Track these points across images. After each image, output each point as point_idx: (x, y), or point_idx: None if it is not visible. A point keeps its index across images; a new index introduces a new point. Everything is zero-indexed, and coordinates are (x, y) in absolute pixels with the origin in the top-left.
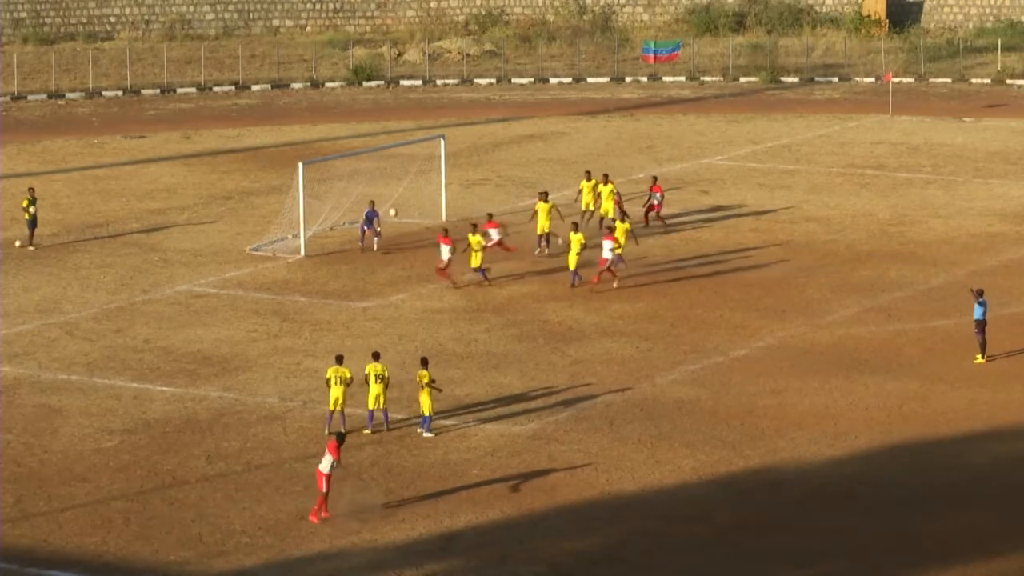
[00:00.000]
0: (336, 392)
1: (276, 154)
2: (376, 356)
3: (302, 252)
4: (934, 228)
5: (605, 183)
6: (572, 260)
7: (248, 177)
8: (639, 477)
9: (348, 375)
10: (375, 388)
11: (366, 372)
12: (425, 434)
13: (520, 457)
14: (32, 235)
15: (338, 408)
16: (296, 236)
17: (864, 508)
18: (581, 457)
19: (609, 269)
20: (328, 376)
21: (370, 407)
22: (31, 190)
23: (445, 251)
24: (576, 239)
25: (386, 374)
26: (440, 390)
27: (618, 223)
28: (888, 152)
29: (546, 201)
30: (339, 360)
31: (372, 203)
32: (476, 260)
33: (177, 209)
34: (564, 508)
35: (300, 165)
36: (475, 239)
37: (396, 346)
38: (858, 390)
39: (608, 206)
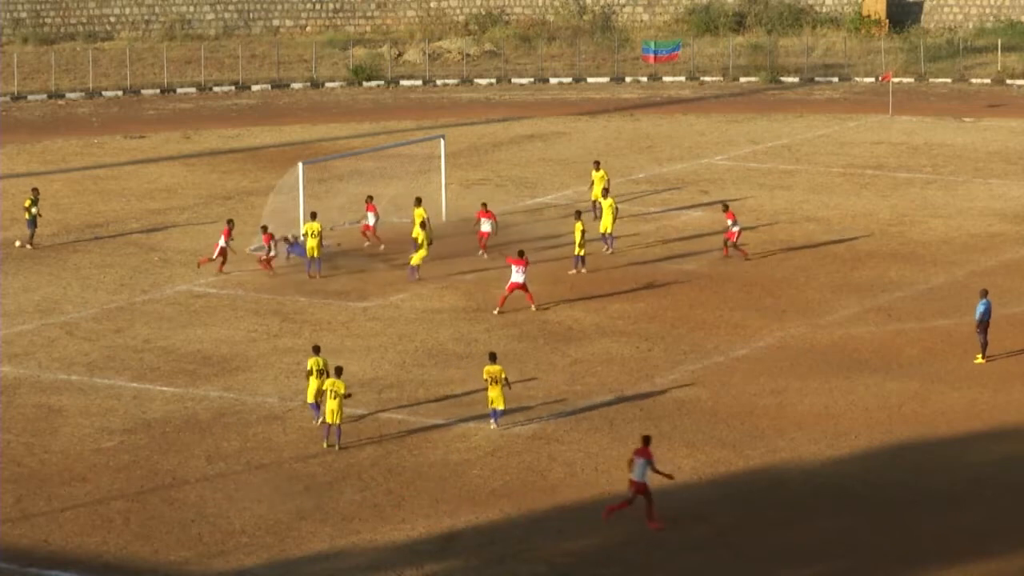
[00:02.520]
0: (332, 404)
1: (276, 154)
2: (316, 350)
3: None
4: (934, 228)
5: (605, 196)
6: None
7: (248, 177)
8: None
9: (343, 389)
10: (315, 382)
11: (308, 367)
12: (493, 425)
13: (520, 457)
14: (33, 235)
15: (336, 422)
16: (296, 236)
17: (864, 508)
18: (581, 457)
19: (526, 289)
20: (325, 388)
21: (310, 400)
22: (35, 190)
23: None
24: (578, 227)
25: (327, 368)
26: (510, 387)
27: (576, 224)
28: (888, 152)
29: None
30: (339, 372)
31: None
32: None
33: (177, 209)
34: (564, 508)
35: (300, 165)
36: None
37: (396, 346)
38: (858, 390)
39: (608, 221)
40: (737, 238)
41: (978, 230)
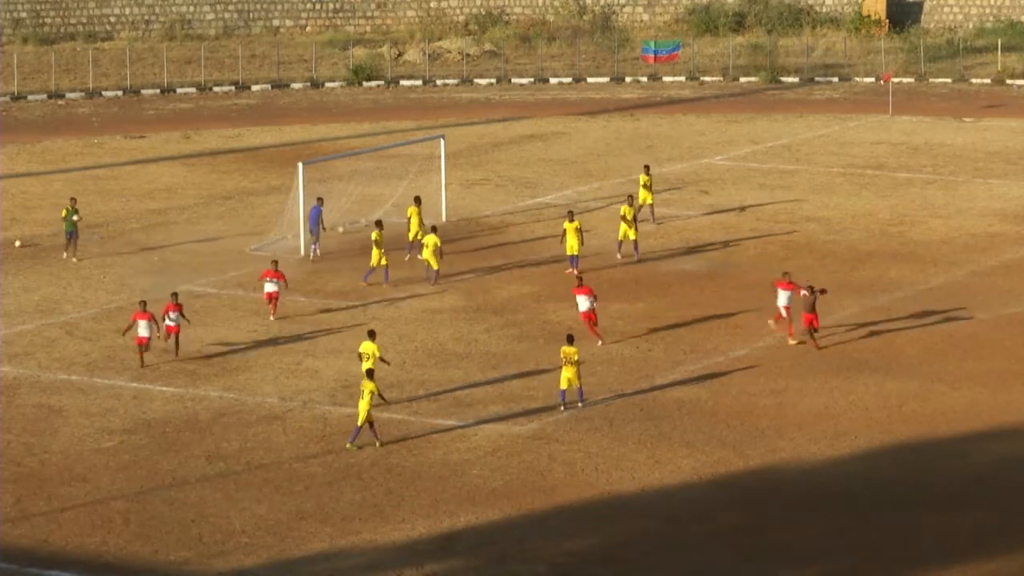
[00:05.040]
0: (362, 404)
1: (276, 154)
2: (372, 335)
3: (302, 252)
4: (934, 228)
5: (630, 204)
6: (573, 247)
7: (248, 177)
8: (639, 477)
9: (373, 389)
10: (368, 364)
11: (360, 352)
12: (562, 409)
13: (520, 457)
14: (73, 245)
15: (361, 422)
16: (296, 236)
17: (864, 508)
18: (581, 457)
19: (813, 322)
20: (363, 389)
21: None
22: (72, 200)
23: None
24: (571, 227)
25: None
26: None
27: (566, 224)
28: (888, 152)
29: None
30: (370, 374)
31: (320, 199)
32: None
33: (177, 209)
34: (564, 508)
35: (300, 165)
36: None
37: (396, 346)
38: (858, 390)
39: (629, 229)
40: (787, 315)
41: (978, 230)
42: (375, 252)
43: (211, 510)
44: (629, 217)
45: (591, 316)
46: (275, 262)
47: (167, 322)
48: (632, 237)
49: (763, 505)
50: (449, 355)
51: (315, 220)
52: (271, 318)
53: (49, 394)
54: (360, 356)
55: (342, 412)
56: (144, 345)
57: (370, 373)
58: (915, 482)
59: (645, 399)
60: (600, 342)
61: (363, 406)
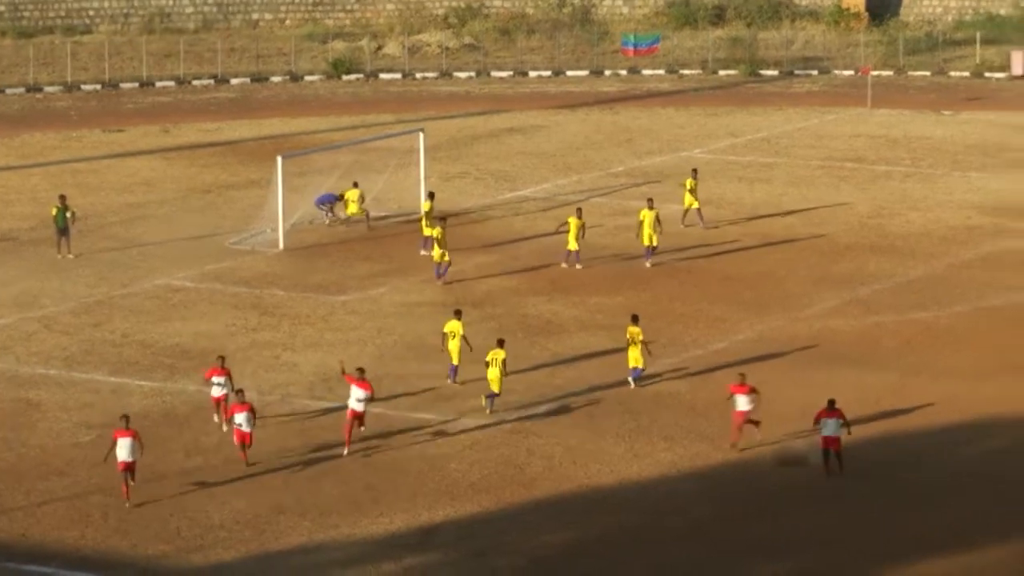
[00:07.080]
0: (492, 373)
1: (255, 148)
2: (458, 314)
3: (280, 246)
4: (913, 221)
5: (651, 207)
6: (572, 242)
7: (227, 171)
8: (617, 471)
9: (503, 355)
10: (455, 345)
11: (444, 331)
12: (633, 386)
13: (499, 451)
14: (60, 242)
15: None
16: (275, 230)
17: (841, 500)
18: (559, 451)
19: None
20: (488, 359)
21: (455, 362)
22: (62, 197)
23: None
24: (574, 223)
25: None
26: (650, 352)
27: (571, 219)
28: (867, 145)
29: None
30: (500, 343)
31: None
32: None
33: (156, 203)
34: (542, 502)
35: (279, 159)
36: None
37: (375, 340)
38: (837, 383)
39: (649, 232)
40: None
41: (956, 223)
42: (437, 249)
43: (189, 504)
44: (689, 187)
45: (358, 414)
46: (222, 357)
47: (235, 425)
48: (696, 205)
49: (741, 498)
50: (428, 349)
51: (327, 193)
52: (224, 427)
53: (27, 388)
54: (444, 336)
55: (320, 406)
56: (130, 471)
57: (500, 342)
58: (893, 475)
59: (623, 393)
60: (345, 448)
61: (495, 374)
